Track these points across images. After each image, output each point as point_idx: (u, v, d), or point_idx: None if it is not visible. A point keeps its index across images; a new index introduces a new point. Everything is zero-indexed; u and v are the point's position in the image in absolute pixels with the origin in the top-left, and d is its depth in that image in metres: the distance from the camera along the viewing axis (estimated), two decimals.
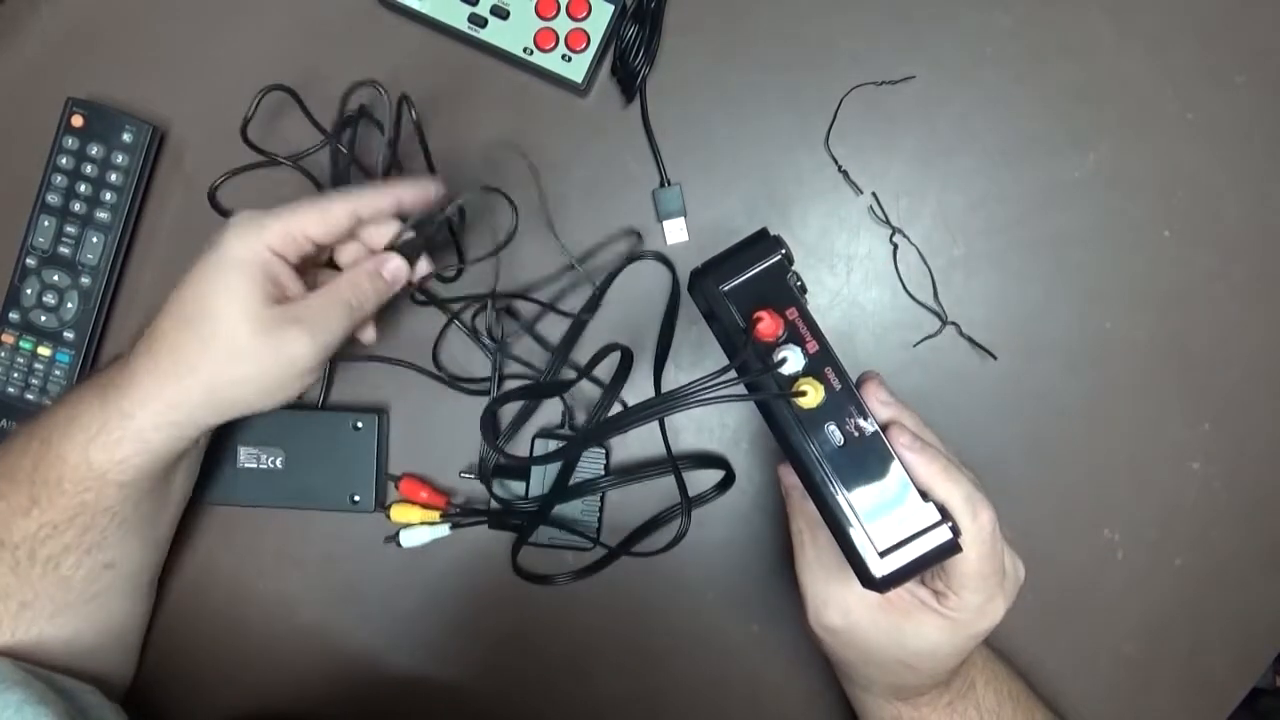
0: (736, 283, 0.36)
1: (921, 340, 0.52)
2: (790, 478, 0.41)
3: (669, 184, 0.51)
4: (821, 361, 0.35)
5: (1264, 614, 0.53)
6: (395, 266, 0.42)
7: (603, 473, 0.50)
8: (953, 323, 0.51)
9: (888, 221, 0.52)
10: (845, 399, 0.35)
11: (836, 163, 0.52)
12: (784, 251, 0.36)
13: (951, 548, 0.35)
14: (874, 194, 0.52)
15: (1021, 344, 0.52)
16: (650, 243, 0.52)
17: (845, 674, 0.44)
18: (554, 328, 0.51)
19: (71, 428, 0.39)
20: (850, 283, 0.52)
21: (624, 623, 0.52)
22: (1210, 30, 0.53)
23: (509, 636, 0.52)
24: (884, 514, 0.34)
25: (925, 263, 0.52)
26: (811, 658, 0.51)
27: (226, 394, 0.38)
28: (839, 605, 0.39)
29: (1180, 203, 0.52)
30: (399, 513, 0.50)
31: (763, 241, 0.36)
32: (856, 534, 0.34)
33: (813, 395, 0.34)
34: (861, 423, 0.35)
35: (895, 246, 0.52)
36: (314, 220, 0.39)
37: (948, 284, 0.52)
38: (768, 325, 0.35)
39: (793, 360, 0.35)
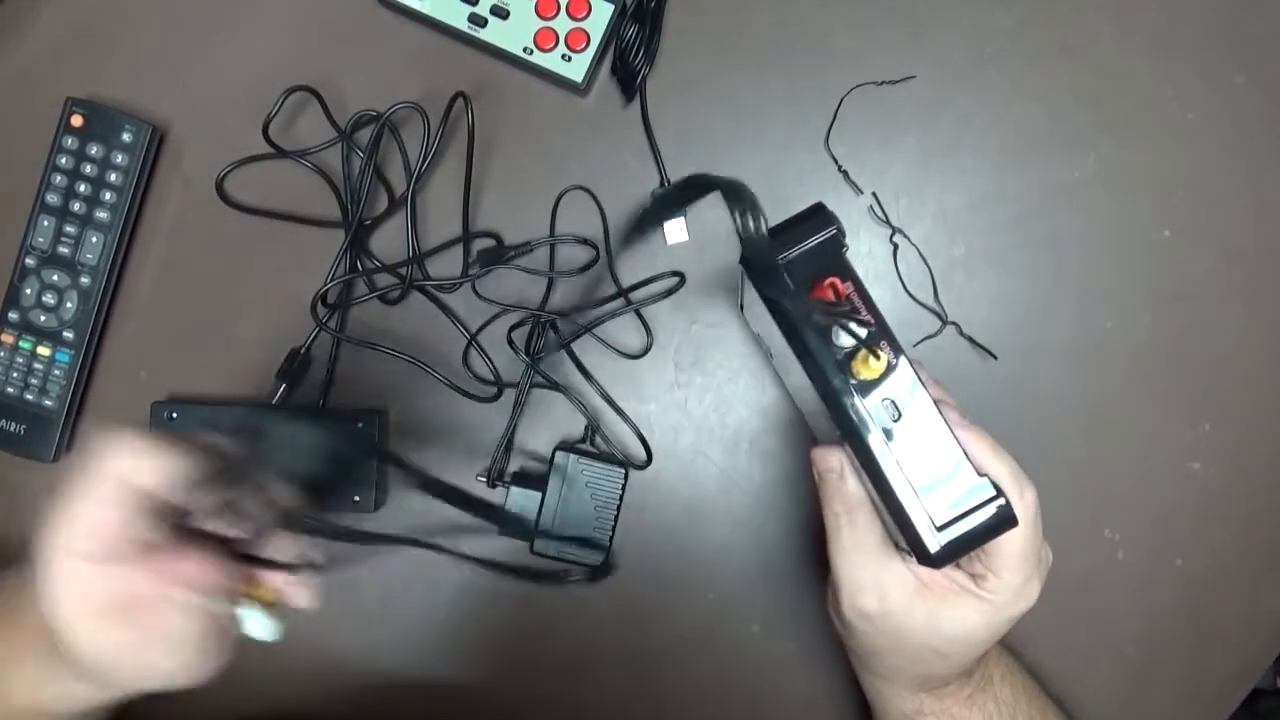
0: (792, 255, 0.35)
1: (921, 340, 0.52)
2: (826, 461, 0.39)
3: (669, 184, 0.51)
4: (879, 335, 0.34)
5: (1264, 614, 0.53)
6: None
7: (621, 493, 0.50)
8: (953, 323, 0.51)
9: (888, 221, 0.52)
10: (902, 374, 0.34)
11: (836, 163, 0.52)
12: (838, 225, 0.35)
13: (1008, 520, 0.34)
14: (874, 194, 0.52)
15: (1021, 344, 0.52)
16: (652, 243, 0.52)
17: (870, 664, 0.43)
18: (583, 346, 0.51)
19: None
20: None
21: (624, 623, 0.52)
22: (1210, 30, 0.53)
23: (509, 637, 0.52)
24: (939, 489, 0.34)
25: (925, 263, 0.52)
26: (812, 659, 0.51)
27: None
28: (875, 590, 0.38)
29: (1180, 203, 0.52)
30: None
31: (818, 215, 0.36)
32: (913, 508, 0.34)
33: (876, 366, 0.34)
34: (917, 398, 0.34)
35: (895, 246, 0.52)
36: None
37: (948, 284, 0.52)
38: (838, 292, 0.34)
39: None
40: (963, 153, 0.52)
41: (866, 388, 0.34)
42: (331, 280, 0.50)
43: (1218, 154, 0.52)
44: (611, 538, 0.50)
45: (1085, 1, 0.53)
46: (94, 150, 0.49)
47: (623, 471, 0.50)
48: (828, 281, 0.34)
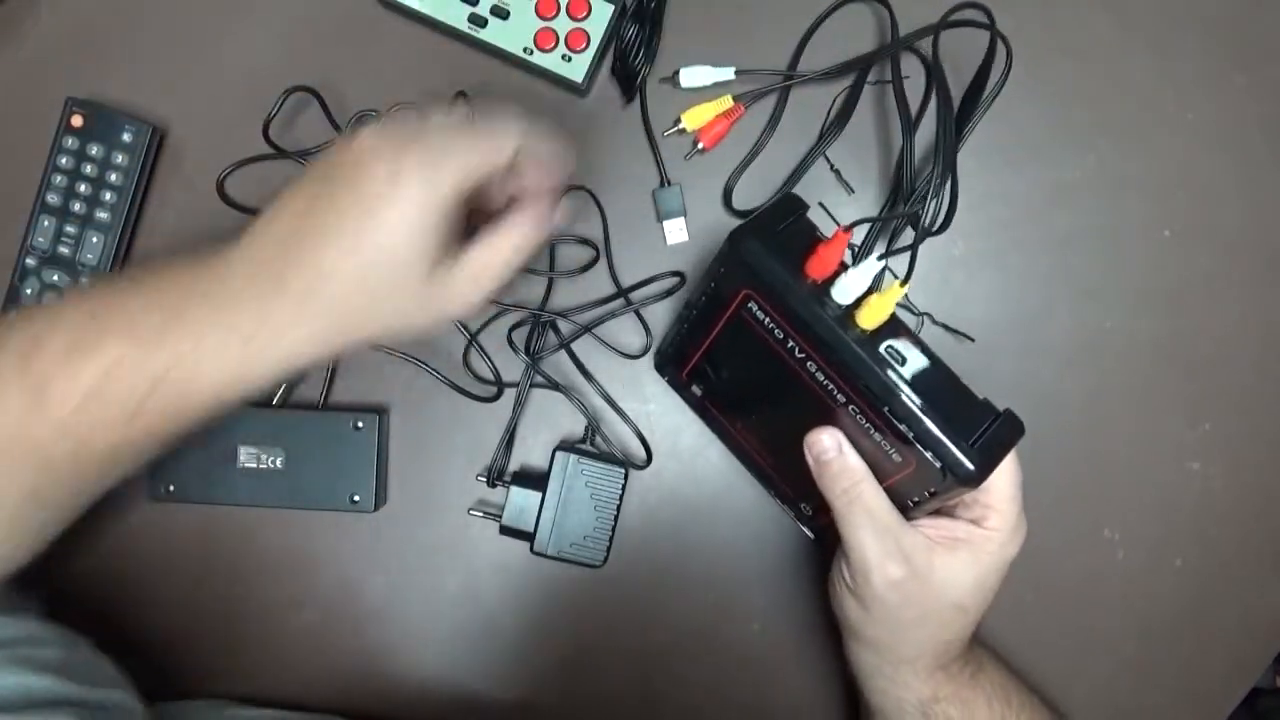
0: (775, 238, 0.38)
1: None
2: (820, 443, 0.40)
3: (669, 184, 0.51)
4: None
5: (1264, 614, 0.53)
6: (566, 210, 0.39)
7: (620, 492, 0.50)
8: (925, 313, 0.51)
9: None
10: (894, 321, 0.37)
11: (830, 164, 0.52)
12: (808, 208, 0.39)
13: (1019, 427, 0.36)
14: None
15: (1021, 344, 0.52)
16: (652, 243, 0.52)
17: (890, 648, 0.43)
18: (583, 346, 0.51)
19: (204, 365, 0.35)
20: None
21: (624, 623, 0.52)
22: (1210, 30, 0.53)
23: (510, 636, 0.52)
24: (959, 415, 0.36)
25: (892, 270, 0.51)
26: (812, 658, 0.51)
27: (376, 339, 0.37)
28: (899, 555, 0.39)
29: (1180, 203, 0.52)
30: None
31: (787, 201, 0.39)
32: (945, 433, 0.35)
33: (886, 300, 0.36)
34: (911, 340, 0.37)
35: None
36: (490, 161, 0.36)
37: (948, 284, 0.52)
38: (833, 253, 0.36)
39: (858, 282, 0.36)
40: (963, 153, 0.52)
41: (870, 339, 0.36)
42: None
43: (1218, 154, 0.53)
44: (611, 538, 0.50)
45: (1085, 2, 0.53)
46: (94, 150, 0.49)
47: (622, 472, 0.50)
48: (821, 245, 0.36)
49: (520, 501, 0.50)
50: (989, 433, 0.36)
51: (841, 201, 0.52)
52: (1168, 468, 0.52)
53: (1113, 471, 0.52)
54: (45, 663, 0.38)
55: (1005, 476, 0.39)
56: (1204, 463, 0.52)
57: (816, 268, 0.36)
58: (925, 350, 0.37)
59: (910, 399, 0.35)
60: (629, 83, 0.51)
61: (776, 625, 0.52)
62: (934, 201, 0.36)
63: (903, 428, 0.36)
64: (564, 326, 0.51)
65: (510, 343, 0.50)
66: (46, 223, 0.50)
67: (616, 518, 0.50)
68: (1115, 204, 0.52)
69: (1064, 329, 0.52)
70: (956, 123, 0.48)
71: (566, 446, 0.51)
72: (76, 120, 0.49)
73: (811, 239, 0.37)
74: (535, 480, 0.50)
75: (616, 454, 0.51)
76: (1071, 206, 0.52)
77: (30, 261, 0.50)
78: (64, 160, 0.50)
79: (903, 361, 0.36)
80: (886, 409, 0.36)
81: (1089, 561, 0.52)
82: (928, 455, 0.36)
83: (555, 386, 0.51)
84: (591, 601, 0.51)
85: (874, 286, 0.36)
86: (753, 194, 0.52)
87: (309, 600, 0.52)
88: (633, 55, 0.50)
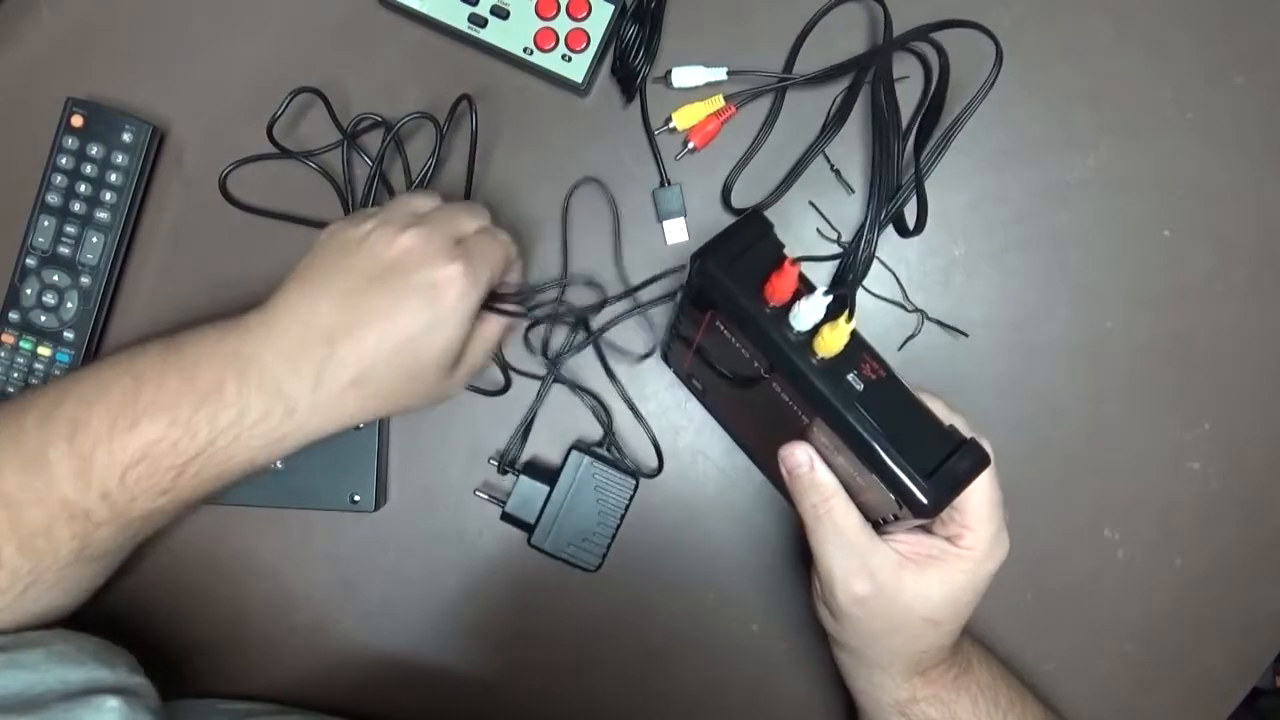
0: (738, 259, 0.37)
1: (905, 341, 0.51)
2: (794, 457, 0.40)
3: (669, 184, 0.51)
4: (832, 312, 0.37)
5: (1264, 614, 0.53)
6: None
7: (627, 502, 0.50)
8: (919, 309, 0.51)
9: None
10: (857, 347, 0.36)
11: (830, 163, 0.52)
12: (773, 227, 0.38)
13: (984, 458, 0.36)
14: None
15: (1021, 344, 0.52)
16: (652, 243, 0.52)
17: (865, 655, 0.43)
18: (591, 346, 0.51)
19: (245, 437, 0.39)
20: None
21: (624, 623, 0.52)
22: (1210, 30, 0.53)
23: (510, 637, 0.52)
24: (915, 444, 0.35)
25: (888, 269, 0.51)
26: (811, 657, 0.51)
27: (387, 415, 0.45)
28: (864, 572, 0.39)
29: (1180, 203, 0.52)
30: None
31: (754, 221, 0.38)
32: (899, 464, 0.35)
33: (838, 335, 0.35)
34: (875, 367, 0.36)
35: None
36: (503, 268, 0.43)
37: (948, 284, 0.52)
38: (785, 283, 0.35)
39: (811, 314, 0.35)
40: (963, 153, 0.52)
41: (830, 365, 0.36)
42: None
43: (1218, 154, 0.53)
44: (610, 545, 0.50)
45: (1085, 2, 0.53)
46: (94, 150, 0.49)
47: (634, 483, 0.50)
48: (774, 274, 0.36)
49: (527, 492, 0.50)
50: (948, 463, 0.35)
51: (841, 201, 0.52)
52: (1168, 468, 0.52)
53: (1113, 471, 0.52)
54: (80, 653, 0.39)
55: (981, 496, 0.39)
56: (1204, 463, 0.52)
57: (774, 294, 0.36)
58: (889, 377, 0.36)
59: (865, 429, 0.35)
60: (629, 83, 0.51)
61: (775, 625, 0.52)
62: (877, 230, 0.36)
63: (859, 457, 0.36)
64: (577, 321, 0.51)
65: (526, 342, 0.50)
66: (46, 223, 0.50)
67: (619, 526, 0.50)
68: (1115, 204, 0.52)
69: (1063, 329, 0.52)
70: (924, 130, 0.48)
71: (583, 447, 0.50)
72: (76, 120, 0.49)
73: (776, 260, 0.37)
74: (545, 474, 0.50)
75: (630, 465, 0.51)
76: (1071, 206, 0.52)
77: (30, 261, 0.50)
78: (64, 160, 0.50)
79: (863, 389, 0.35)
80: (848, 435, 0.36)
81: (1089, 561, 0.52)
82: (883, 485, 0.35)
83: (574, 389, 0.51)
84: (591, 601, 0.51)
85: (850, 306, 0.36)
86: (752, 193, 0.52)
87: (308, 600, 0.52)
88: (633, 55, 0.50)
